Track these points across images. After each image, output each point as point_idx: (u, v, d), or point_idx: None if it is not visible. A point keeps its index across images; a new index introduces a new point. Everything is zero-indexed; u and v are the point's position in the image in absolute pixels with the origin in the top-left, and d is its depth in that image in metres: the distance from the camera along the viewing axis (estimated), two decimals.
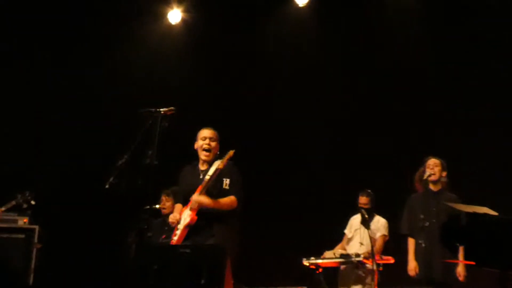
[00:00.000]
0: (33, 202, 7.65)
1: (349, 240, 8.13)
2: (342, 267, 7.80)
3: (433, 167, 7.04)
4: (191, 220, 6.12)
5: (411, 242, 7.11)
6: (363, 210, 7.75)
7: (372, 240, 7.68)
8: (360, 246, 7.90)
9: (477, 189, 7.55)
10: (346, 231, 8.24)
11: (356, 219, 8.16)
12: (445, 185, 7.08)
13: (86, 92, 9.67)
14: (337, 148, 9.33)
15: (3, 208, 7.61)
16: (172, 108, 6.09)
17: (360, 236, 8.00)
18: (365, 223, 7.78)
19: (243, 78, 9.72)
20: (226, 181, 6.14)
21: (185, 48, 9.78)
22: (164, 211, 7.95)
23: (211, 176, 6.01)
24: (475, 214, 4.31)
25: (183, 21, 9.96)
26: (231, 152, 6.04)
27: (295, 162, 9.43)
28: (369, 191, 8.02)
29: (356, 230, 8.09)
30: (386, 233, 8.00)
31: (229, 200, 6.12)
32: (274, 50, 9.71)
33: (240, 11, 9.62)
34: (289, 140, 9.51)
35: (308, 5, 9.60)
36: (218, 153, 6.34)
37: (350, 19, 9.42)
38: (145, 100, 6.70)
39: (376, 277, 7.34)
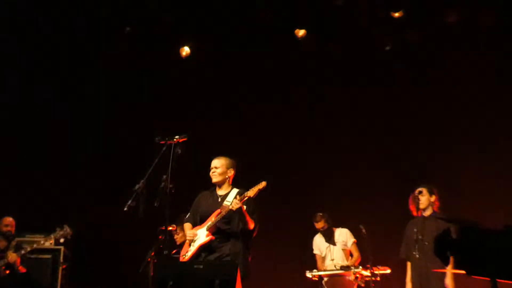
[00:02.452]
0: (69, 237, 7.66)
1: (324, 258, 8.14)
2: (325, 279, 7.76)
3: (420, 198, 7.12)
4: (209, 240, 6.18)
5: (408, 266, 7.16)
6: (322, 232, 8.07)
7: (347, 251, 8.01)
8: (332, 261, 7.96)
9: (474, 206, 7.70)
10: (316, 252, 8.24)
11: (318, 240, 8.22)
12: (436, 208, 7.16)
13: (104, 122, 9.74)
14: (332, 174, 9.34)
15: (41, 241, 7.64)
16: (184, 135, 6.25)
17: (331, 253, 8.05)
18: (331, 241, 8.01)
19: (250, 108, 9.76)
20: (244, 208, 6.17)
21: (197, 79, 9.84)
22: (177, 241, 7.92)
23: (240, 201, 6.08)
24: (464, 227, 4.33)
25: (193, 54, 10.02)
26: (263, 184, 6.13)
27: (300, 187, 9.42)
28: (320, 214, 8.08)
29: (327, 248, 8.13)
30: (353, 239, 8.08)
31: (251, 220, 6.20)
32: (279, 81, 9.74)
33: (244, 45, 9.67)
34: (291, 166, 9.52)
35: (307, 37, 9.62)
36: (227, 177, 6.45)
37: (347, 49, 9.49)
38: (161, 128, 6.73)
39: (355, 287, 7.48)
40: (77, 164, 9.60)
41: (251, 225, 6.17)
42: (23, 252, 7.46)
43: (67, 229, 7.53)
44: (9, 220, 7.75)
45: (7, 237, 7.59)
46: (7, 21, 9.41)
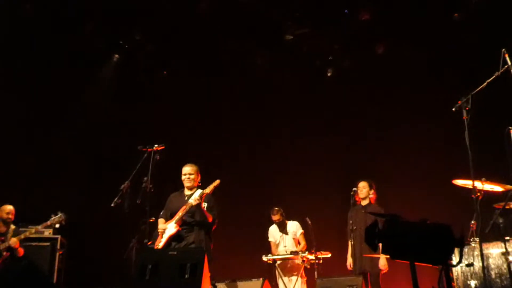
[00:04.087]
0: (63, 223, 7.49)
1: (277, 245, 8.10)
2: (278, 262, 7.80)
3: (361, 189, 7.25)
4: (177, 231, 6.19)
5: (349, 245, 7.22)
6: (277, 223, 8.03)
7: (296, 240, 7.98)
8: (284, 248, 7.96)
9: (397, 203, 7.82)
10: (270, 239, 8.16)
11: (273, 229, 8.18)
12: (372, 200, 7.30)
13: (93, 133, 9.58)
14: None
15: (39, 227, 7.46)
16: (162, 144, 6.35)
17: (283, 241, 8.05)
18: (284, 231, 8.02)
19: (215, 123, 9.78)
20: (204, 205, 6.24)
21: (172, 98, 9.79)
22: None
23: (200, 199, 6.12)
24: (389, 220, 4.37)
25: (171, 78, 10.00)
26: (217, 181, 6.22)
27: (257, 187, 9.42)
28: (276, 208, 8.06)
29: (280, 236, 8.10)
30: (301, 230, 8.05)
31: (209, 215, 6.24)
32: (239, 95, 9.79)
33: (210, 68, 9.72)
34: (251, 169, 9.55)
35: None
36: (199, 182, 6.46)
37: None
38: (143, 139, 6.71)
39: (302, 268, 7.55)
40: (76, 170, 9.41)
41: (210, 219, 6.20)
42: (22, 236, 7.29)
43: (62, 216, 7.37)
44: (10, 208, 7.52)
45: (7, 223, 7.40)
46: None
